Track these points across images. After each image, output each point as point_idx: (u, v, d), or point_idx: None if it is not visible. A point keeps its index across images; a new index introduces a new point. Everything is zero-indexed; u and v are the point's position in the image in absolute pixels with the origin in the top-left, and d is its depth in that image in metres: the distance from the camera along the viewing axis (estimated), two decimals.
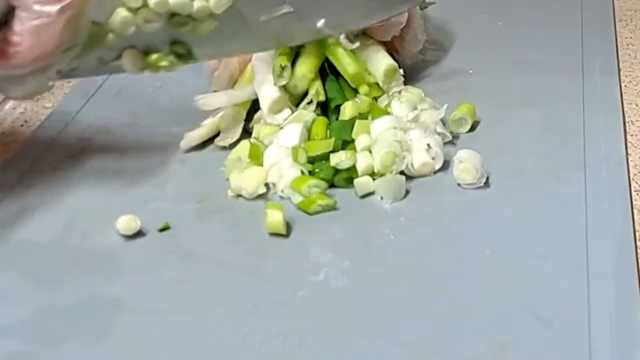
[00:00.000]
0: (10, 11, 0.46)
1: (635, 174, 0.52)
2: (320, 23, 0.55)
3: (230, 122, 0.55)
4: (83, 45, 0.49)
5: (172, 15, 0.51)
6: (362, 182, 0.50)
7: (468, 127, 0.56)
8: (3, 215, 0.50)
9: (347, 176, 0.51)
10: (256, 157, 0.52)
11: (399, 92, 0.57)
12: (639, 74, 0.64)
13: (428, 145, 0.52)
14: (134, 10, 0.50)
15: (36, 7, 0.45)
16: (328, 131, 0.53)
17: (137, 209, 0.49)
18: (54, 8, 0.45)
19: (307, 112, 0.54)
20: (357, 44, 0.56)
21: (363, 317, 0.42)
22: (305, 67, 0.56)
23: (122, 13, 0.49)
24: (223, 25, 0.53)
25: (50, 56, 0.47)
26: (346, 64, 0.56)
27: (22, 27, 0.46)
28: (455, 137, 0.56)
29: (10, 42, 0.46)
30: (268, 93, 0.55)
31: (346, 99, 0.56)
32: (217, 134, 0.55)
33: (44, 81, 0.49)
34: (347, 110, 0.55)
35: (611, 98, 0.60)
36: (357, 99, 0.56)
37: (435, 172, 0.52)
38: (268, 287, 0.44)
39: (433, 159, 0.52)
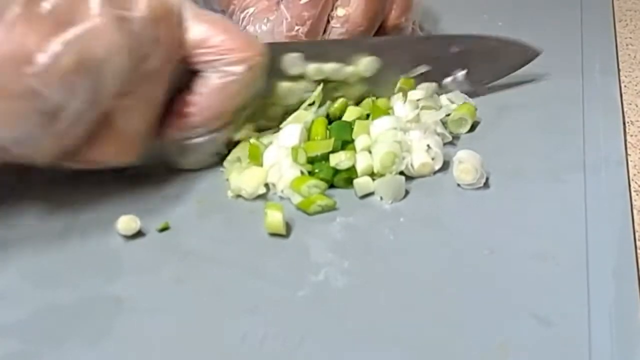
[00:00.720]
0: (189, 80, 0.49)
1: (635, 174, 0.52)
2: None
3: None
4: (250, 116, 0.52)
5: (326, 83, 0.55)
6: (362, 183, 0.50)
7: (468, 127, 0.56)
8: (3, 215, 0.50)
9: (347, 176, 0.51)
10: (256, 157, 0.52)
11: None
12: (639, 74, 0.64)
13: (428, 145, 0.52)
14: (295, 79, 0.54)
15: (225, 67, 0.48)
16: (328, 131, 0.53)
17: (137, 209, 0.49)
18: (240, 67, 0.48)
19: (307, 112, 0.54)
20: None
21: (363, 317, 0.42)
22: None
23: (285, 84, 0.53)
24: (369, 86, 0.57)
25: (228, 115, 0.50)
26: None
27: (204, 88, 0.49)
28: (455, 137, 0.56)
29: (190, 103, 0.49)
30: None
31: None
32: None
33: (215, 147, 0.52)
34: (351, 112, 0.55)
35: (611, 98, 0.60)
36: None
37: (435, 172, 0.52)
38: (268, 287, 0.44)
39: (433, 159, 0.52)
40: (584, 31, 0.70)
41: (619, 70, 0.64)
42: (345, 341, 0.41)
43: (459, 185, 0.51)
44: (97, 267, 0.46)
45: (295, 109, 0.55)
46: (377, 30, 0.59)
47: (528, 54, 0.60)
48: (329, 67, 0.54)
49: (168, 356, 0.40)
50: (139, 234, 0.48)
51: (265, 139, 0.53)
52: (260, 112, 0.54)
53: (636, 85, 0.63)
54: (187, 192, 0.51)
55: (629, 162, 0.53)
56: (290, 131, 0.53)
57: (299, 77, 0.54)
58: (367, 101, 0.56)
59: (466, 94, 0.58)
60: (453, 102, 0.57)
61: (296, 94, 0.54)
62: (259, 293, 0.44)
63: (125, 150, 0.48)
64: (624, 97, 0.61)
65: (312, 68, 0.54)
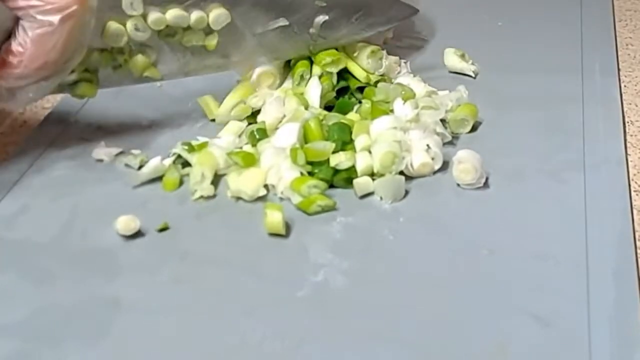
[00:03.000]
0: (15, 25, 0.47)
1: (634, 174, 0.52)
2: (315, 29, 0.56)
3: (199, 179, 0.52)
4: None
5: (169, 34, 0.53)
6: (362, 183, 0.50)
7: (469, 127, 0.56)
8: (3, 215, 0.50)
9: (347, 176, 0.51)
10: (252, 163, 0.51)
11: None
12: (639, 74, 0.64)
13: (427, 145, 0.52)
14: (124, 21, 0.52)
15: (39, 16, 0.46)
16: (325, 131, 0.53)
17: (137, 209, 0.49)
18: (56, 17, 0.46)
19: (303, 111, 0.54)
20: None
21: (363, 317, 0.42)
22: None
23: (113, 26, 0.51)
24: (220, 38, 0.55)
25: (53, 65, 0.48)
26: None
27: (25, 37, 0.47)
28: (455, 137, 0.56)
29: (13, 52, 0.47)
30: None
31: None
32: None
33: (44, 91, 0.50)
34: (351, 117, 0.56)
35: (611, 98, 0.60)
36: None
37: (435, 172, 0.52)
38: (268, 287, 0.44)
39: (432, 159, 0.52)
40: (584, 31, 0.69)
41: (619, 70, 0.64)
42: (345, 341, 0.41)
43: (458, 185, 0.51)
44: (97, 267, 0.46)
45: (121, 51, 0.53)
46: None
47: (399, 11, 0.60)
48: (171, 14, 0.52)
49: (167, 356, 0.40)
50: (138, 234, 0.48)
51: (259, 145, 0.53)
52: (97, 60, 0.53)
53: (636, 85, 0.63)
54: (187, 192, 0.51)
55: (629, 162, 0.53)
56: (287, 131, 0.52)
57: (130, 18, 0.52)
58: (366, 107, 0.56)
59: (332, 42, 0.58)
60: (452, 101, 0.57)
61: (127, 34, 0.52)
62: (258, 293, 0.44)
63: None
64: (624, 97, 0.61)
65: (152, 17, 0.52)
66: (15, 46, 0.47)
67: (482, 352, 0.40)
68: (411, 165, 0.51)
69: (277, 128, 0.54)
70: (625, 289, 0.43)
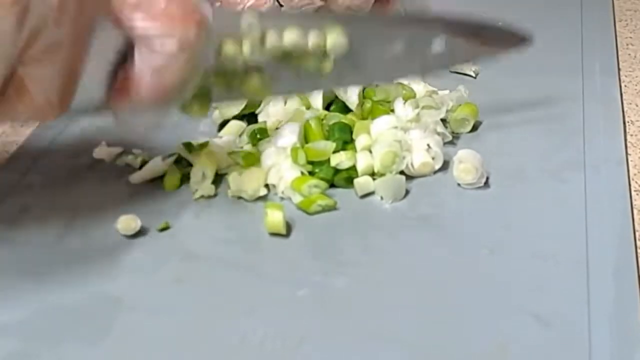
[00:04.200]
0: (131, 48, 0.45)
1: (635, 174, 0.52)
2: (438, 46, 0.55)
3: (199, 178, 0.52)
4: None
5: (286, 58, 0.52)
6: (362, 182, 0.50)
7: (469, 127, 0.56)
8: (3, 215, 0.50)
9: (347, 176, 0.51)
10: (253, 162, 0.51)
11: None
12: (639, 74, 0.64)
13: (428, 145, 0.52)
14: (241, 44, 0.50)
15: (157, 41, 0.44)
16: (325, 131, 0.53)
17: (137, 209, 0.49)
18: (174, 46, 0.44)
19: (303, 110, 0.54)
20: None
21: (363, 317, 0.42)
22: None
23: (229, 47, 0.50)
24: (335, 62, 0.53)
25: (170, 93, 0.46)
26: None
27: (142, 65, 0.45)
28: (456, 137, 0.56)
29: (132, 79, 0.45)
30: None
31: None
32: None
33: (160, 115, 0.49)
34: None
35: (611, 98, 0.60)
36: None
37: (435, 172, 0.52)
38: (268, 287, 0.44)
39: (433, 158, 0.52)
40: (584, 31, 0.69)
41: (619, 70, 0.64)
42: (345, 341, 0.41)
43: (459, 184, 0.51)
44: (97, 267, 0.46)
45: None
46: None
47: (516, 39, 0.58)
48: (289, 37, 0.51)
49: (168, 356, 0.40)
50: (139, 234, 0.48)
51: (260, 145, 0.53)
52: (211, 81, 0.51)
53: (636, 85, 0.63)
54: (187, 192, 0.51)
55: (629, 162, 0.53)
56: (288, 131, 0.52)
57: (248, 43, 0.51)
58: (367, 106, 0.56)
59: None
60: (452, 101, 0.57)
61: (241, 58, 0.50)
62: (259, 292, 0.44)
63: (40, 109, 0.44)
64: (624, 97, 0.61)
65: (270, 40, 0.50)
66: (133, 74, 0.45)
67: (482, 352, 0.40)
68: (412, 164, 0.51)
69: (277, 128, 0.54)
70: (625, 288, 0.43)
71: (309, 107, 0.56)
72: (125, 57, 0.46)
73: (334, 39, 0.52)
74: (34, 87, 0.43)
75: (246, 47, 0.50)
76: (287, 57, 0.52)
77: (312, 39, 0.51)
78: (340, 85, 0.56)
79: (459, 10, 0.73)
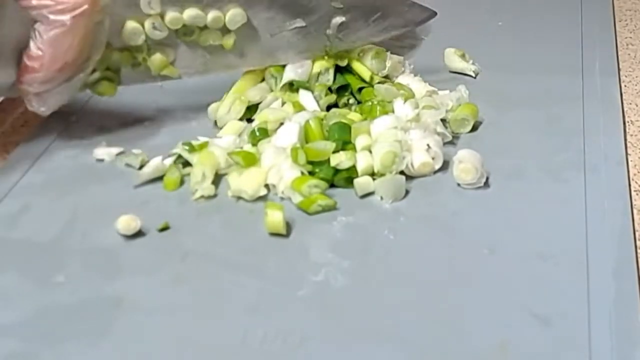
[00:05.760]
0: (31, 30, 0.49)
1: (635, 174, 0.52)
2: (332, 29, 0.57)
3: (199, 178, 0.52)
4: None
5: (185, 33, 0.55)
6: (362, 182, 0.50)
7: (469, 127, 0.56)
8: (4, 214, 0.50)
9: (347, 176, 0.51)
10: (252, 162, 0.51)
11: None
12: (639, 74, 0.64)
13: (428, 145, 0.52)
14: (142, 20, 0.53)
15: (51, 16, 0.47)
16: (325, 131, 0.53)
17: (137, 209, 0.49)
18: (67, 16, 0.47)
19: (305, 112, 0.55)
20: None
21: (363, 317, 0.42)
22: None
23: (131, 24, 0.53)
24: (237, 38, 0.56)
25: (73, 66, 0.49)
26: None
27: (41, 40, 0.48)
28: (455, 137, 0.56)
29: (33, 56, 0.49)
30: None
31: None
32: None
33: (69, 92, 0.52)
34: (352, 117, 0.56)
35: (611, 98, 0.60)
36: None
37: (435, 172, 0.52)
38: (268, 287, 0.44)
39: (433, 159, 0.52)
40: (584, 31, 0.69)
41: (619, 70, 0.64)
42: (345, 341, 0.41)
43: (459, 184, 0.51)
44: (98, 267, 0.46)
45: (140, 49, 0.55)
46: None
47: (417, 14, 0.60)
48: (188, 13, 0.53)
49: (168, 356, 0.40)
50: (139, 234, 0.48)
51: (260, 145, 0.53)
52: (117, 59, 0.55)
53: (636, 85, 0.63)
54: (187, 192, 0.51)
55: (629, 162, 0.53)
56: (288, 131, 0.52)
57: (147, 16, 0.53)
58: (368, 105, 0.56)
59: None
60: (452, 101, 0.57)
61: (144, 34, 0.54)
62: (259, 293, 0.44)
63: None
64: (624, 97, 0.61)
65: (170, 16, 0.53)
66: (34, 50, 0.49)
67: (482, 352, 0.40)
68: (411, 164, 0.51)
69: (277, 128, 0.54)
70: (625, 288, 0.43)
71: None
72: (25, 42, 0.49)
73: (232, 14, 0.54)
74: None
75: (147, 24, 0.53)
76: (188, 33, 0.54)
77: (211, 14, 0.53)
78: (245, 63, 0.58)
79: (459, 11, 0.73)
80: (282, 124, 0.54)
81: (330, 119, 0.54)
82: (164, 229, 0.48)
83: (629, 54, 0.67)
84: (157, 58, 0.55)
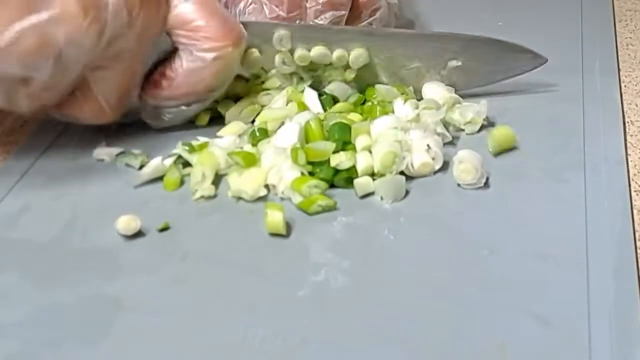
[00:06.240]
0: (172, 52, 0.53)
1: (635, 174, 0.52)
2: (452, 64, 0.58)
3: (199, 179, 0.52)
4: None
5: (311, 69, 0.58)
6: (362, 183, 0.50)
7: (477, 127, 0.56)
8: (4, 214, 0.50)
9: (347, 176, 0.51)
10: (252, 162, 0.51)
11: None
12: (639, 74, 0.64)
13: (428, 145, 0.52)
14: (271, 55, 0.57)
15: (196, 52, 0.52)
16: (325, 131, 0.53)
17: (137, 209, 0.49)
18: (210, 55, 0.51)
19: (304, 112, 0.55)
20: None
21: (363, 317, 0.42)
22: None
23: (254, 54, 0.57)
24: (357, 73, 0.59)
25: (198, 95, 0.54)
26: None
27: (179, 66, 0.53)
28: (455, 137, 0.56)
29: (166, 76, 0.53)
30: None
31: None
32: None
33: (184, 114, 0.56)
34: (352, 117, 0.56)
35: (611, 98, 0.60)
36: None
37: (435, 172, 0.52)
38: (268, 287, 0.44)
39: (433, 159, 0.52)
40: (584, 31, 0.69)
41: (619, 70, 0.64)
42: (345, 341, 0.41)
43: (459, 185, 0.51)
44: (97, 267, 0.46)
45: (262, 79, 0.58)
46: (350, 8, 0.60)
47: (529, 61, 0.60)
48: (316, 52, 0.57)
49: (168, 356, 0.40)
50: (139, 234, 0.48)
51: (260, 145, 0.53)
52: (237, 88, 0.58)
53: (636, 85, 0.63)
54: (187, 192, 0.51)
55: (629, 162, 0.53)
56: (288, 131, 0.52)
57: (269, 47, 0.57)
58: (368, 105, 0.56)
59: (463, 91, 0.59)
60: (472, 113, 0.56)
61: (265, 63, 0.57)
62: (259, 293, 0.44)
63: (101, 112, 0.52)
64: (624, 97, 0.61)
65: (299, 53, 0.56)
66: (168, 71, 0.53)
67: (482, 352, 0.40)
68: (412, 165, 0.51)
69: (277, 129, 0.54)
70: (625, 288, 0.43)
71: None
72: (164, 59, 0.53)
73: (356, 54, 0.57)
74: (97, 90, 0.51)
75: (278, 59, 0.57)
76: (313, 69, 0.58)
77: (336, 53, 0.57)
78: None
79: (460, 12, 0.73)
80: (283, 123, 0.54)
81: (330, 120, 0.54)
82: (164, 229, 0.48)
83: (629, 54, 0.67)
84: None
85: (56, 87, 0.49)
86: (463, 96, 0.58)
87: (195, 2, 0.51)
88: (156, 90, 0.54)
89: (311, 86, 0.58)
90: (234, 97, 0.58)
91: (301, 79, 0.58)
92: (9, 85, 0.48)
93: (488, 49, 0.58)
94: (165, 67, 0.53)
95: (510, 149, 0.54)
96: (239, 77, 0.57)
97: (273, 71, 0.58)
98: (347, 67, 0.58)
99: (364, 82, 0.59)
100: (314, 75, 0.58)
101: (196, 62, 0.52)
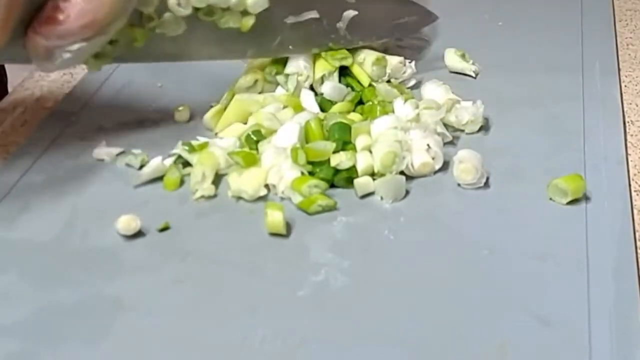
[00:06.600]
0: None
1: (635, 174, 0.52)
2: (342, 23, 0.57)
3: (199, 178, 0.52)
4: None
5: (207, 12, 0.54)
6: (362, 182, 0.50)
7: (477, 127, 0.56)
8: (3, 215, 0.50)
9: (347, 176, 0.51)
10: (253, 162, 0.51)
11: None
12: (639, 74, 0.64)
13: (428, 145, 0.52)
14: None
15: None
16: (325, 131, 0.53)
17: (137, 209, 0.49)
18: None
19: (304, 112, 0.55)
20: None
21: (363, 317, 0.42)
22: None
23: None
24: (255, 22, 0.56)
25: (98, 25, 0.47)
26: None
27: None
28: (455, 137, 0.56)
29: (60, 7, 0.46)
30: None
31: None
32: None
33: (83, 54, 0.49)
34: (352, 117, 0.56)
35: (611, 98, 0.60)
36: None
37: (435, 172, 0.52)
38: (268, 287, 0.44)
39: (433, 159, 0.52)
40: (584, 31, 0.69)
41: (619, 70, 0.64)
42: (345, 341, 0.41)
43: (459, 185, 0.51)
44: (97, 267, 0.46)
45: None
46: None
47: (425, 17, 0.61)
48: None
49: (168, 356, 0.40)
50: (139, 234, 0.48)
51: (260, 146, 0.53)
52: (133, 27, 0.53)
53: (636, 85, 0.63)
54: (187, 192, 0.51)
55: (629, 162, 0.53)
56: (288, 131, 0.52)
57: None
58: (368, 105, 0.56)
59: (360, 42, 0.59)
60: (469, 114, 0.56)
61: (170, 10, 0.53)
62: (259, 293, 0.44)
63: None
64: (624, 97, 0.61)
65: None
66: (62, 2, 0.46)
67: (482, 352, 0.40)
68: (412, 165, 0.51)
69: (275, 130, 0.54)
70: (625, 288, 0.43)
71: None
72: None
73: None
74: None
75: (172, 0, 0.52)
76: (209, 13, 0.54)
77: None
78: (256, 52, 0.58)
79: (460, 12, 0.73)
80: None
81: (330, 119, 0.54)
82: (164, 229, 0.48)
83: (629, 54, 0.67)
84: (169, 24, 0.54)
85: None
86: (460, 96, 0.58)
87: None
88: (51, 27, 0.47)
89: None
90: (129, 45, 0.54)
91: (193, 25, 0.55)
92: None
93: (382, 2, 0.59)
94: (57, 0, 0.47)
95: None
96: (133, 25, 0.53)
97: (166, 15, 0.53)
98: (245, 13, 0.55)
99: (260, 37, 0.57)
100: (208, 21, 0.55)
101: None
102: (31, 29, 0.47)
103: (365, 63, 0.59)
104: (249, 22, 0.56)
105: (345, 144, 0.52)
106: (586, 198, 0.50)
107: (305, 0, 0.57)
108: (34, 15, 0.47)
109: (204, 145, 0.53)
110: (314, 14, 0.57)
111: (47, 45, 0.48)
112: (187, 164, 0.53)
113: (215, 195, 0.51)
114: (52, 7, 0.47)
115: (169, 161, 0.53)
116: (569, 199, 0.49)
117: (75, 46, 0.48)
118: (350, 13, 0.58)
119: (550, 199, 0.50)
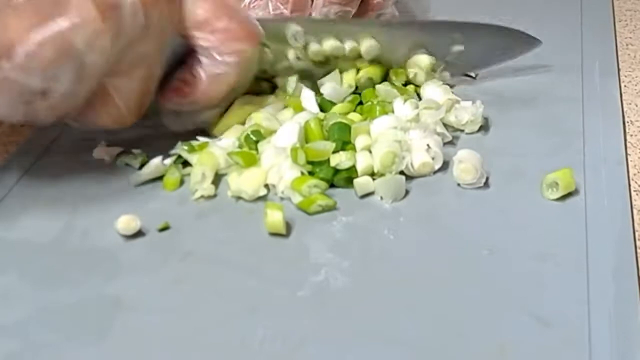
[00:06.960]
0: (188, 54, 0.51)
1: (635, 174, 0.52)
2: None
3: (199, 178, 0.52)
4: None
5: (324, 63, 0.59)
6: (362, 182, 0.50)
7: (477, 127, 0.56)
8: (3, 215, 0.50)
9: (347, 176, 0.51)
10: (252, 162, 0.51)
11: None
12: (639, 74, 0.64)
13: (428, 145, 0.52)
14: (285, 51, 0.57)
15: (217, 56, 0.50)
16: (325, 131, 0.53)
17: (137, 209, 0.49)
18: (233, 59, 0.50)
19: (303, 112, 0.55)
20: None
21: (363, 317, 0.42)
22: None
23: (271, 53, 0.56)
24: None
25: (220, 100, 0.53)
26: None
27: (201, 70, 0.51)
28: (455, 137, 0.56)
29: (187, 82, 0.51)
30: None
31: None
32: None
33: (208, 117, 0.55)
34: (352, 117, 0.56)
35: (610, 98, 0.60)
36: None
37: (435, 172, 0.52)
38: (268, 287, 0.44)
39: (433, 159, 0.52)
40: (584, 31, 0.69)
41: (619, 70, 0.64)
42: (345, 341, 0.41)
43: (459, 185, 0.51)
44: (97, 267, 0.46)
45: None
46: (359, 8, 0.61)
47: (528, 43, 0.61)
48: (329, 45, 0.57)
49: (168, 356, 0.40)
50: (139, 234, 0.48)
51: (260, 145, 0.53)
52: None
53: (636, 85, 0.63)
54: (187, 192, 0.51)
55: (629, 162, 0.53)
56: (287, 131, 0.52)
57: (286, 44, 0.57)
58: (368, 105, 0.56)
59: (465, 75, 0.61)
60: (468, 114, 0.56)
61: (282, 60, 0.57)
62: (258, 293, 0.44)
63: (121, 117, 0.50)
64: (624, 97, 0.61)
65: (313, 47, 0.57)
66: (188, 76, 0.51)
67: (482, 352, 0.40)
68: (411, 165, 0.51)
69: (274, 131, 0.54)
70: (625, 288, 0.43)
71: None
72: (179, 62, 0.52)
73: (367, 45, 0.58)
74: (117, 96, 0.49)
75: (292, 54, 0.57)
76: (325, 62, 0.58)
77: (349, 45, 0.57)
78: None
79: (460, 12, 0.73)
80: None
81: (330, 119, 0.54)
82: (164, 229, 0.48)
83: (629, 54, 0.67)
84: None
85: (76, 96, 0.47)
86: (460, 96, 0.58)
87: (210, 1, 0.50)
88: (178, 97, 0.52)
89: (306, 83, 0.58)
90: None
91: (308, 75, 0.58)
92: (28, 98, 0.45)
93: (487, 33, 0.61)
94: (184, 72, 0.52)
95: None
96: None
97: (279, 67, 0.57)
98: (358, 57, 0.59)
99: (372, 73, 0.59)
100: (327, 68, 0.59)
101: (220, 67, 0.50)
102: (161, 95, 0.52)
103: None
104: (363, 65, 0.59)
105: (345, 144, 0.52)
106: (586, 198, 0.50)
107: (416, 42, 0.59)
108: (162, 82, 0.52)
109: (203, 146, 0.53)
110: (422, 52, 0.60)
111: (174, 110, 0.53)
112: (187, 164, 0.53)
113: (215, 195, 0.51)
114: (179, 79, 0.52)
115: (168, 161, 0.53)
116: (560, 193, 0.49)
117: (200, 113, 0.54)
118: (457, 48, 0.60)
119: (543, 196, 0.50)
